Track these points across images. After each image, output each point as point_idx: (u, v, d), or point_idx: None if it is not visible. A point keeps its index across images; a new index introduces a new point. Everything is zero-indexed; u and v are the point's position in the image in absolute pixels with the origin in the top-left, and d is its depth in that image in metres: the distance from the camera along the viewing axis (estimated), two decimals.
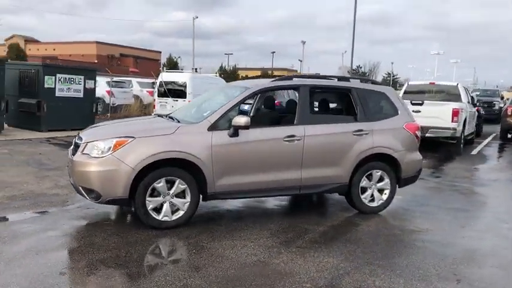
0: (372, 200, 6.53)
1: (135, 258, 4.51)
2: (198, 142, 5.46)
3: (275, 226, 5.74)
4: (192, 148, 5.40)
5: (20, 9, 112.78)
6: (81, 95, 15.09)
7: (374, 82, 6.96)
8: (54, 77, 14.13)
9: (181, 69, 31.93)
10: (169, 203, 5.41)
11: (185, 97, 16.66)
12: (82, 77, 15.00)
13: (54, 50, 73.92)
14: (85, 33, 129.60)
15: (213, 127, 5.58)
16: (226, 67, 66.10)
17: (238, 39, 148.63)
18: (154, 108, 17.63)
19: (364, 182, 6.42)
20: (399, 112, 6.73)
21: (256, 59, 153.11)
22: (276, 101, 7.62)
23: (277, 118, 6.65)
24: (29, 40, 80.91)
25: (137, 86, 25.01)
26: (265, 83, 6.26)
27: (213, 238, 5.19)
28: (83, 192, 5.35)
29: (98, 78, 22.10)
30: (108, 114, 20.44)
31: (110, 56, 68.89)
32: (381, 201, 6.55)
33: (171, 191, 5.39)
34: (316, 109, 7.27)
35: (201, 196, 5.62)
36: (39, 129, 14.00)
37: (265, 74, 67.38)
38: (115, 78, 23.11)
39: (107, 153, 5.21)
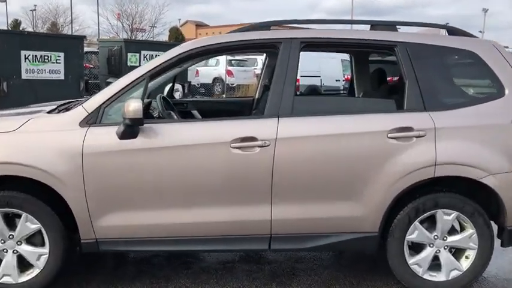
0: (437, 268, 3.25)
1: None
2: (56, 147, 2.99)
3: None
4: (42, 158, 2.96)
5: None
6: (171, 74, 13.61)
7: (454, 31, 3.49)
8: (138, 54, 12.87)
9: None
10: (14, 253, 3.08)
11: None
12: None
13: (220, 33, 76.96)
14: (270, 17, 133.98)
15: (92, 120, 3.04)
16: None
17: (415, 13, 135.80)
18: None
19: (415, 233, 3.18)
20: (506, 91, 3.23)
21: None
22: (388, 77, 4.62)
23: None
24: (200, 25, 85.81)
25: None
26: (210, 39, 3.39)
27: None
28: None
29: (218, 57, 21.00)
30: (224, 96, 18.93)
31: None
32: (455, 273, 3.22)
33: (15, 233, 3.06)
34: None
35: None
36: None
37: None
38: (237, 57, 21.48)
39: None
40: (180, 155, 3.01)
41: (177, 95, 4.75)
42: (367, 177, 3.07)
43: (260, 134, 3.02)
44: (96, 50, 16.12)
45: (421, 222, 3.18)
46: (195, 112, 4.59)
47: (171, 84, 4.71)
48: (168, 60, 3.15)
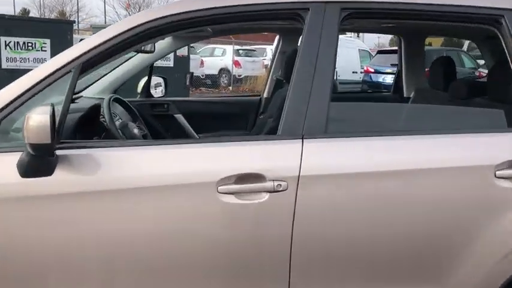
0: None
1: None
2: None
3: None
4: None
5: None
6: (171, 63, 12.34)
7: None
8: None
9: None
10: None
11: None
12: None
13: None
14: None
15: None
16: None
17: None
18: None
19: None
20: None
21: None
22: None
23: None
24: None
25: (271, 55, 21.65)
26: (185, 3, 2.01)
27: None
28: None
29: (224, 46, 19.66)
30: (230, 88, 17.62)
31: None
32: None
33: None
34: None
35: None
36: None
37: None
38: (245, 47, 20.13)
39: None
40: (129, 205, 1.71)
41: (159, 92, 3.44)
42: (459, 247, 1.76)
43: (270, 169, 1.71)
44: None
45: None
46: (179, 117, 3.32)
47: (146, 78, 3.40)
48: (111, 39, 1.82)
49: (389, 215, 1.74)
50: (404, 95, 3.26)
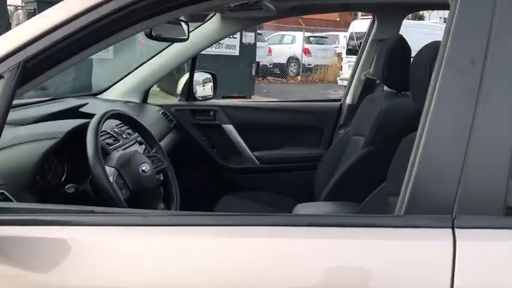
0: None
1: None
2: None
3: None
4: None
5: None
6: (236, 52, 11.55)
7: None
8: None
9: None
10: None
11: None
12: None
13: None
14: None
15: None
16: None
17: None
18: (341, 69, 12.96)
19: None
20: None
21: None
22: None
23: None
24: None
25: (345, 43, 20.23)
26: None
27: None
28: None
29: (294, 33, 18.56)
30: (299, 77, 16.64)
31: None
32: None
33: None
34: None
35: None
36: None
37: None
38: (316, 33, 18.92)
39: None
40: None
41: (208, 90, 2.56)
42: None
43: None
44: None
45: None
46: (227, 128, 2.45)
47: (188, 75, 2.55)
48: (77, 17, 0.95)
49: None
50: None
